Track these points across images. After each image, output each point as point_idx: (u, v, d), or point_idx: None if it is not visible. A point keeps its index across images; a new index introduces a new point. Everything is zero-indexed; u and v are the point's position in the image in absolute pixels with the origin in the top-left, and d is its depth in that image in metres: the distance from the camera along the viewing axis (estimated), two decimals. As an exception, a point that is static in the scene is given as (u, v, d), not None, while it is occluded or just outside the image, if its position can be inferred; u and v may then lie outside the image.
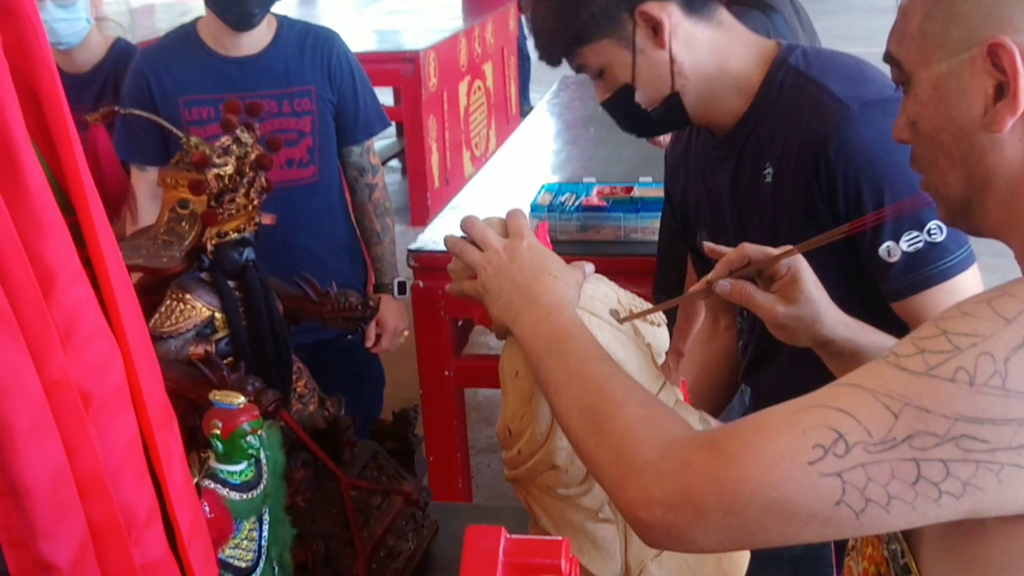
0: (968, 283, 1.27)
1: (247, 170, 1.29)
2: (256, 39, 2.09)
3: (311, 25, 2.22)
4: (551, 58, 1.41)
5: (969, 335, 0.67)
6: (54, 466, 0.51)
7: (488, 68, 6.35)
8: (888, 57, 0.84)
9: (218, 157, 1.26)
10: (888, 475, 0.67)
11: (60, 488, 0.52)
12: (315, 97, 2.12)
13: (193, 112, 2.08)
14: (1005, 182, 0.76)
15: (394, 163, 6.00)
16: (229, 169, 1.27)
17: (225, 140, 1.28)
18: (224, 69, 2.08)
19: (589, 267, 1.12)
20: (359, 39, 5.54)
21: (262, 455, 1.11)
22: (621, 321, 1.11)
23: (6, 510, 0.52)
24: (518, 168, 3.33)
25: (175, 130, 1.33)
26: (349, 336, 2.12)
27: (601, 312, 1.11)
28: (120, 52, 2.35)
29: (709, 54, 1.36)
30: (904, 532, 0.81)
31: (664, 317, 1.17)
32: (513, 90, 6.91)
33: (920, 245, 1.27)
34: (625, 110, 1.40)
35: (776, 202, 1.38)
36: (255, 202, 1.32)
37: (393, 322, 2.32)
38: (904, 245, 1.27)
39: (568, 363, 0.93)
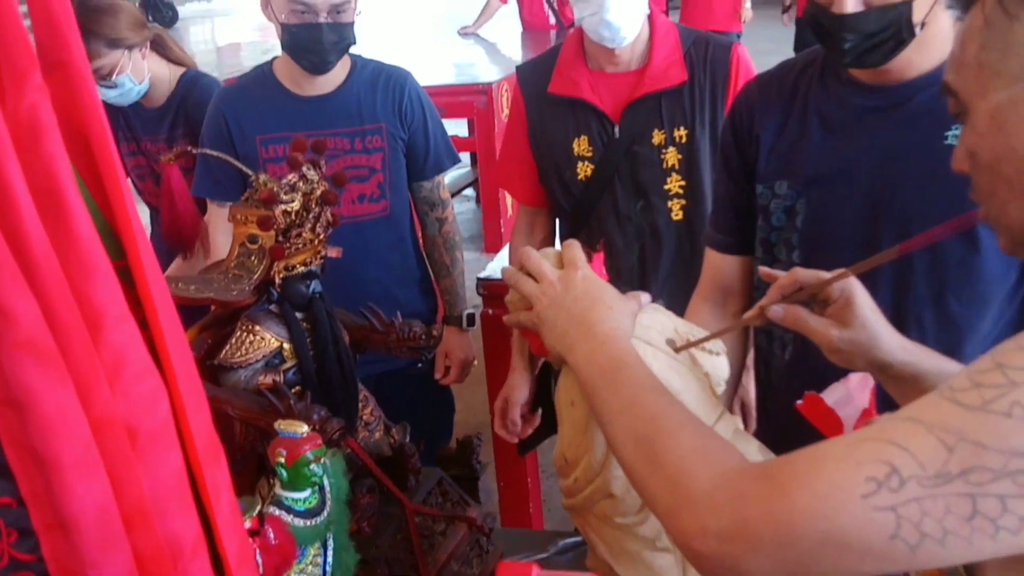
0: None
1: (313, 205, 1.34)
2: (330, 79, 2.16)
3: (384, 65, 2.28)
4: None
5: None
6: (100, 500, 0.54)
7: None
8: (945, 88, 0.83)
9: (285, 194, 1.31)
10: (943, 510, 0.66)
11: (106, 521, 0.55)
12: (386, 134, 2.17)
13: (270, 150, 2.15)
14: None
15: (468, 192, 6.06)
16: (296, 205, 1.31)
17: (292, 177, 1.32)
18: (299, 108, 2.15)
19: (645, 297, 1.12)
20: (434, 72, 5.67)
21: (326, 482, 1.14)
22: (677, 350, 1.10)
23: (55, 543, 0.56)
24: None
25: (244, 168, 1.39)
26: (419, 364, 2.15)
27: (658, 342, 1.11)
28: (188, 81, 2.44)
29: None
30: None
31: (723, 346, 1.16)
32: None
33: None
34: (880, 28, 1.22)
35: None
36: (321, 236, 1.36)
37: (462, 353, 2.36)
38: None
39: (622, 393, 0.94)
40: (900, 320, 1.33)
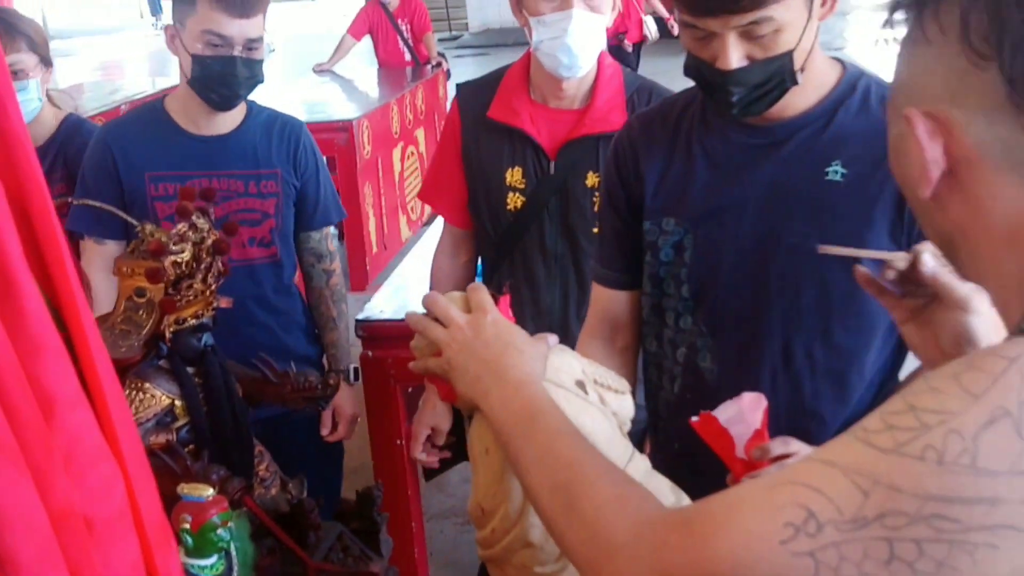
0: None
1: (204, 255, 1.29)
2: (228, 119, 2.11)
3: (279, 113, 2.25)
4: None
5: (937, 412, 0.66)
6: (60, 597, 0.50)
7: (420, 134, 6.41)
8: None
9: (174, 244, 1.26)
10: (861, 554, 0.66)
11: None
12: (281, 181, 2.14)
13: (159, 187, 2.06)
14: (960, 242, 0.78)
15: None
16: (186, 255, 1.26)
17: (181, 227, 1.27)
18: (193, 146, 2.09)
19: (552, 339, 1.12)
20: (293, 111, 5.56)
21: (232, 547, 1.09)
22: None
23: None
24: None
25: (129, 218, 1.32)
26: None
27: (568, 384, 1.11)
28: (70, 126, 2.35)
29: (815, 41, 1.30)
30: None
31: (628, 385, 1.18)
32: (446, 153, 6.98)
33: None
34: (764, 80, 1.28)
35: (848, 199, 1.33)
36: (213, 287, 1.31)
37: (350, 409, 2.33)
38: None
39: (537, 440, 0.93)
40: (790, 352, 1.39)
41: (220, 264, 1.32)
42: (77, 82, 7.66)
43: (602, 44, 1.92)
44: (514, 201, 1.99)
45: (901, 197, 1.28)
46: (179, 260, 1.25)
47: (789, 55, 1.26)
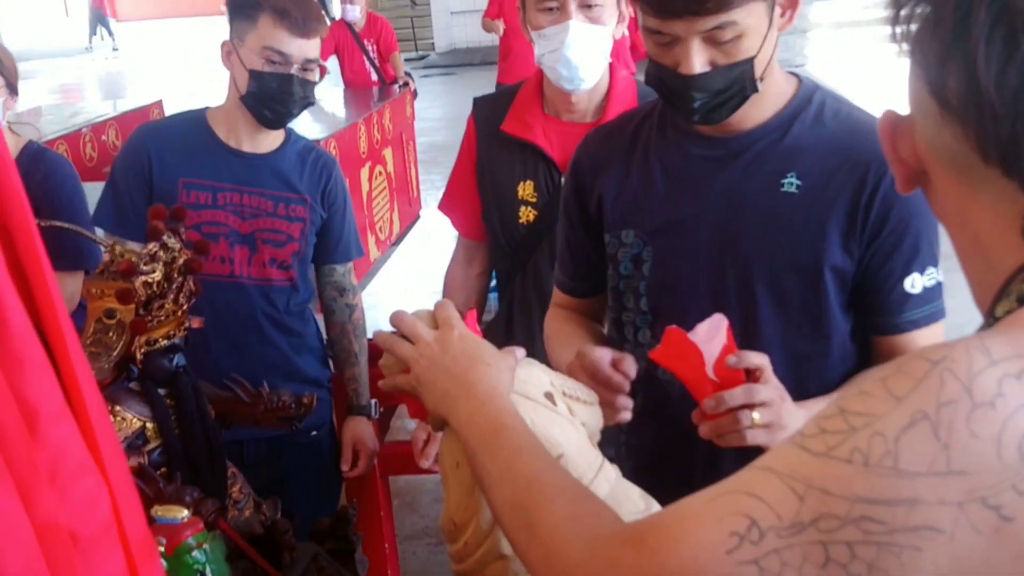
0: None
1: (176, 275, 1.28)
2: (269, 140, 2.12)
3: (315, 145, 2.28)
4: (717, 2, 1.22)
5: (863, 414, 0.67)
6: (44, 613, 0.49)
7: (388, 153, 6.40)
8: None
9: (145, 264, 1.25)
10: (801, 559, 0.67)
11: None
12: (309, 208, 2.15)
13: (191, 195, 2.06)
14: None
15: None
16: (157, 276, 1.25)
17: (152, 247, 1.26)
18: (231, 160, 2.09)
19: (520, 351, 1.12)
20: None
21: (207, 569, 1.08)
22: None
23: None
24: (426, 252, 3.34)
25: (96, 238, 1.31)
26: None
27: (536, 395, 1.12)
28: (34, 154, 2.28)
29: (774, 52, 1.32)
30: None
31: (596, 396, 1.19)
32: (414, 173, 6.98)
33: (933, 282, 1.35)
34: (726, 86, 1.29)
35: (802, 210, 1.35)
36: (184, 307, 1.30)
37: (371, 443, 2.32)
38: (925, 279, 1.35)
39: (500, 457, 0.94)
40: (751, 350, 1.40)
41: (191, 284, 1.31)
42: (35, 105, 7.57)
43: (606, 55, 1.92)
44: (526, 214, 1.99)
45: (853, 208, 1.33)
46: (150, 280, 1.24)
47: (750, 62, 1.28)
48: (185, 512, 1.06)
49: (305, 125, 6.06)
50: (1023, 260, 0.73)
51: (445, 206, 2.23)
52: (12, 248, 0.53)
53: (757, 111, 1.36)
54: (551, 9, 1.84)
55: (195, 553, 1.05)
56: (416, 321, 1.11)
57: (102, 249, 1.28)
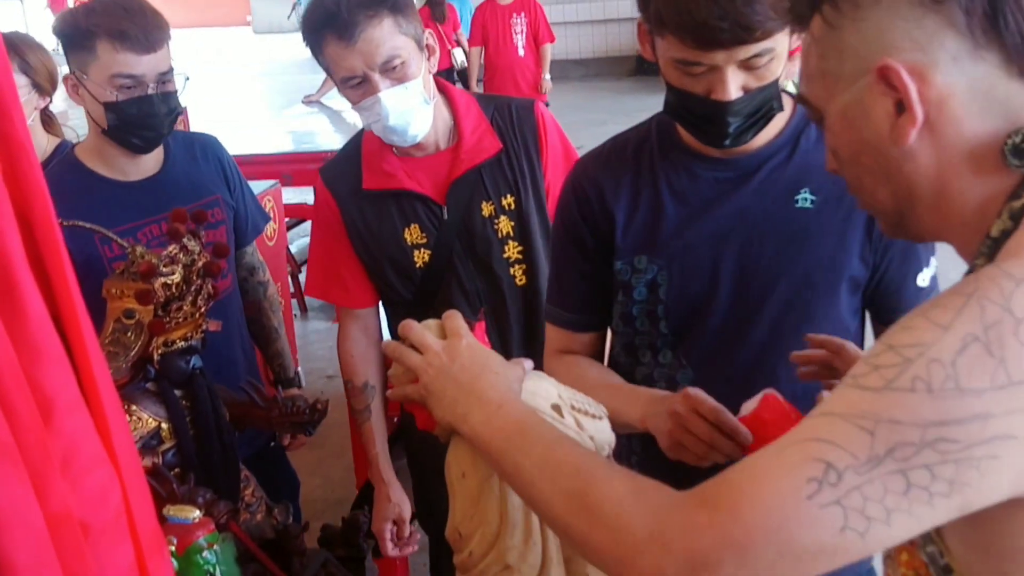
0: None
1: (194, 278, 1.29)
2: (153, 157, 1.96)
3: (193, 133, 2.14)
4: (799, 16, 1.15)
5: (914, 345, 0.71)
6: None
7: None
8: (800, 98, 0.91)
9: (165, 266, 1.26)
10: (882, 491, 0.70)
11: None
12: (223, 205, 2.03)
13: (113, 247, 1.80)
14: (927, 189, 0.82)
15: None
16: (176, 278, 1.26)
17: (172, 249, 1.27)
18: (128, 195, 1.92)
19: (528, 363, 1.11)
20: (279, 141, 5.59)
21: (218, 571, 1.08)
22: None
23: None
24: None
25: (120, 240, 1.32)
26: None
27: (544, 408, 1.11)
28: (63, 154, 2.27)
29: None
30: (939, 533, 0.82)
31: (605, 411, 1.18)
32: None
33: (934, 270, 1.39)
34: (757, 109, 1.30)
35: (819, 227, 1.37)
36: (203, 309, 1.31)
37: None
38: (931, 270, 1.39)
39: (535, 452, 0.92)
40: (775, 378, 1.39)
41: (211, 287, 1.32)
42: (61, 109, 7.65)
43: (428, 99, 1.83)
44: (421, 257, 1.93)
45: (871, 219, 1.32)
46: (169, 282, 1.25)
47: (776, 83, 1.29)
48: (197, 513, 1.06)
49: (326, 135, 6.09)
50: (1012, 183, 0.77)
51: (318, 288, 2.08)
52: (34, 243, 0.54)
53: (764, 131, 1.37)
54: (358, 84, 1.76)
55: (206, 554, 1.05)
56: (424, 331, 1.11)
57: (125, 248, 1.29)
